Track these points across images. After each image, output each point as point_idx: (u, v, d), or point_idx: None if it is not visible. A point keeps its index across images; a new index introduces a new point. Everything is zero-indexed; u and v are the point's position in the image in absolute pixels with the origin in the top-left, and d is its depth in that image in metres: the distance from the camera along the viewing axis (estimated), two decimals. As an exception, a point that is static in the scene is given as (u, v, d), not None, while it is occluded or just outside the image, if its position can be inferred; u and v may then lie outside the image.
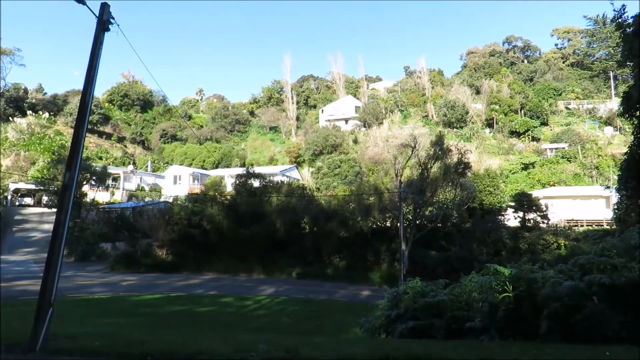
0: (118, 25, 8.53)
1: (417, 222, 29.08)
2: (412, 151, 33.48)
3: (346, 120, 79.41)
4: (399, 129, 59.01)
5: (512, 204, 33.63)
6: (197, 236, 30.10)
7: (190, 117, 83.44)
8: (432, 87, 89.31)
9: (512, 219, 32.69)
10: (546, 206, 33.17)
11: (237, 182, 33.40)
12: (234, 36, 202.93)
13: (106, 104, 77.36)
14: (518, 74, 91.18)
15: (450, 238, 29.64)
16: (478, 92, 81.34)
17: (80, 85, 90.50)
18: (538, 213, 31.97)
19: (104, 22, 8.34)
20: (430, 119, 77.11)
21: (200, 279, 26.79)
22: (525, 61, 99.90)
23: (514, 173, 53.60)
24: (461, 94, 74.50)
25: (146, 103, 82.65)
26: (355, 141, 67.72)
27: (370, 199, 30.56)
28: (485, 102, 73.81)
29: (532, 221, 31.84)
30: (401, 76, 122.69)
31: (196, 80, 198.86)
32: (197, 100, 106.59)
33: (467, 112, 71.67)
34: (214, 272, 29.12)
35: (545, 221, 31.69)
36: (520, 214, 32.48)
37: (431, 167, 29.30)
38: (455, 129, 70.42)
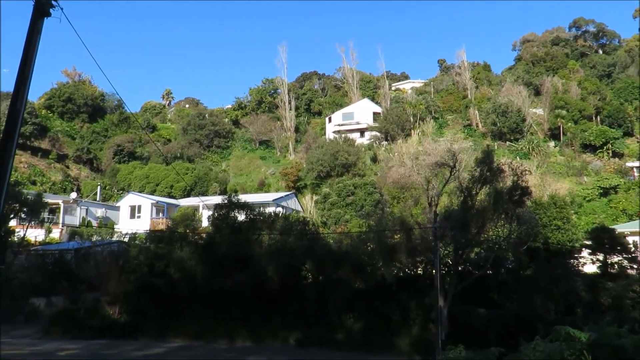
0: (61, 8, 8.65)
1: (460, 268, 28.82)
2: (451, 172, 33.44)
3: (362, 132, 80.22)
4: (433, 142, 59.42)
5: (589, 242, 33.30)
6: (162, 288, 29.93)
7: (154, 129, 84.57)
8: (476, 87, 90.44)
9: (589, 263, 32.33)
10: (635, 245, 32.84)
11: (216, 214, 33.47)
12: (213, 22, 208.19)
13: (43, 111, 78.71)
14: (591, 68, 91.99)
15: (505, 290, 29.29)
16: (538, 93, 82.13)
17: (9, 87, 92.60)
18: (624, 255, 31.60)
19: (42, 4, 8.47)
20: (475, 128, 77.67)
21: (164, 348, 26.46)
22: (600, 51, 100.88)
23: (589, 201, 53.30)
24: (515, 96, 75.22)
25: (96, 110, 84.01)
26: (375, 159, 68.10)
27: (395, 237, 30.41)
28: (548, 105, 74.42)
29: (616, 266, 31.47)
30: (434, 72, 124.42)
31: (163, 81, 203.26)
32: (164, 106, 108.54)
33: (523, 120, 72.18)
34: (183, 338, 28.73)
35: (635, 266, 31.30)
36: (600, 256, 32.10)
37: (477, 193, 29.25)
38: (508, 142, 70.76)
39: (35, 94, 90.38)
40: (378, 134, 76.00)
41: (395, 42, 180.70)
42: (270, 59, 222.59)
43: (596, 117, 73.29)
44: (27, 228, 40.65)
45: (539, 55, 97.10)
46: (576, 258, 31.77)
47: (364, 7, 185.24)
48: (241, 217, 33.31)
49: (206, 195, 61.24)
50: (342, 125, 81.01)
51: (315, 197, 57.98)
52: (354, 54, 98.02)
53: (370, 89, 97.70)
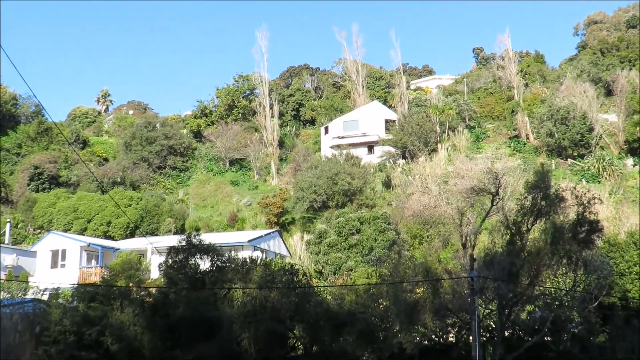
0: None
1: (506, 333, 28.63)
2: (493, 201, 33.56)
3: (370, 146, 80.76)
4: (467, 160, 59.82)
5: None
6: (94, 365, 29.63)
7: (85, 144, 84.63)
8: (526, 85, 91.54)
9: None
10: None
11: (171, 262, 33.32)
12: (165, 2, 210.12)
13: None
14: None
15: (570, 363, 29.17)
16: (609, 93, 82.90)
17: None
18: None
19: None
20: (524, 141, 78.25)
21: None
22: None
23: (683, 239, 53.36)
24: (579, 96, 75.96)
25: (5, 118, 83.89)
26: (388, 184, 68.34)
27: (418, 291, 30.35)
28: (624, 109, 74.77)
29: None
30: (468, 66, 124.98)
31: (98, 79, 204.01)
32: (99, 113, 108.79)
33: (590, 129, 72.73)
34: None
35: None
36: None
37: (529, 229, 29.33)
38: (570, 159, 71.20)
39: None
40: (392, 149, 76.53)
41: (414, 25, 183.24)
42: (246, 48, 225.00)
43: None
44: None
45: (609, 41, 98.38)
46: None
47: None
48: (205, 265, 33.17)
49: (157, 234, 60.95)
50: (343, 137, 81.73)
51: (306, 237, 57.78)
52: (359, 41, 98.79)
53: (381, 88, 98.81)
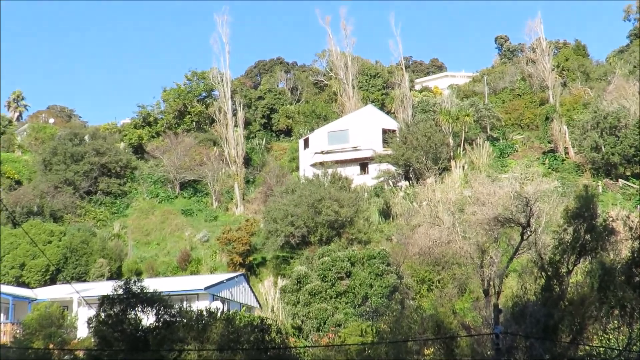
0: None
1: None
2: (523, 234, 33.64)
3: (363, 164, 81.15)
4: (489, 181, 59.89)
5: None
6: None
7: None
8: (564, 84, 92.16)
9: None
10: None
11: (104, 316, 33.06)
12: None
13: None
14: None
15: None
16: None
17: None
18: None
19: None
20: (562, 156, 78.64)
21: None
22: None
23: None
24: (632, 99, 76.10)
25: None
26: (386, 213, 68.42)
27: (427, 352, 30.32)
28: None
29: None
30: (489, 60, 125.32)
31: (8, 78, 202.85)
32: (10, 122, 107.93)
33: (646, 141, 72.89)
34: None
35: None
36: None
37: (570, 271, 29.42)
38: (622, 180, 71.35)
39: None
40: (392, 167, 76.89)
41: (419, 8, 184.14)
42: (202, 37, 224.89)
43: None
44: None
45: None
46: None
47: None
48: (149, 320, 32.95)
49: (85, 280, 60.50)
50: (328, 152, 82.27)
51: (281, 282, 57.58)
52: (348, 28, 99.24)
53: (377, 88, 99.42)
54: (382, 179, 76.32)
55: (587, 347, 29.01)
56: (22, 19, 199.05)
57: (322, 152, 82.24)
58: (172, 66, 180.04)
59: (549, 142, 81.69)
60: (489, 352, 27.95)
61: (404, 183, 74.35)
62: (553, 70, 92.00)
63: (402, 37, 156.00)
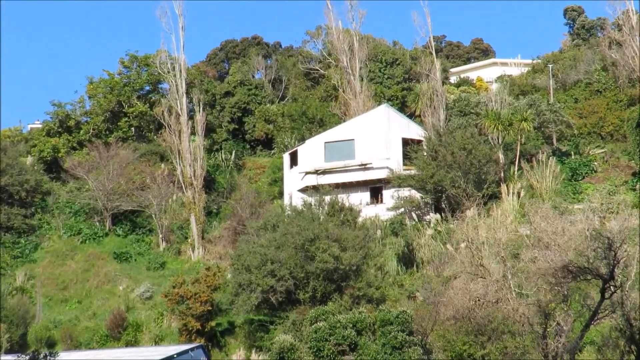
0: None
1: None
2: (604, 291, 33.48)
3: (376, 189, 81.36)
4: (555, 215, 59.46)
5: None
6: None
7: None
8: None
9: None
10: None
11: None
12: None
13: None
14: None
15: None
16: None
17: None
18: None
19: None
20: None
21: None
22: None
23: None
24: None
25: None
26: (408, 259, 68.07)
27: None
28: None
29: None
30: (555, 43, 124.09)
31: None
32: None
33: None
34: None
35: None
36: None
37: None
38: None
39: None
40: (417, 194, 76.72)
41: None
42: (146, 7, 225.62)
43: None
44: None
45: None
46: None
47: None
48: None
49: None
50: (324, 172, 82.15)
51: (256, 357, 57.42)
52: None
53: (395, 81, 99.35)
54: (402, 210, 76.07)
55: None
56: None
57: (316, 172, 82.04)
58: (102, 48, 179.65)
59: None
60: None
61: (433, 216, 74.00)
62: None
63: (432, 8, 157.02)
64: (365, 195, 79.66)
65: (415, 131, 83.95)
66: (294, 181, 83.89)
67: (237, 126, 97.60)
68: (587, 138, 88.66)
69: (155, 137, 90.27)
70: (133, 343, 64.05)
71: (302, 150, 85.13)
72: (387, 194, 79.21)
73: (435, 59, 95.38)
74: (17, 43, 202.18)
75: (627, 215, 55.08)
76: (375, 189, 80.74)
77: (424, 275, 63.73)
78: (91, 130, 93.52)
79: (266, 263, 61.74)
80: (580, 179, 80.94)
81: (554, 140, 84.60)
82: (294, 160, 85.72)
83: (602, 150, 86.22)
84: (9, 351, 57.58)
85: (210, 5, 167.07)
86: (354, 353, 52.21)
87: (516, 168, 78.31)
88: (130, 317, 67.87)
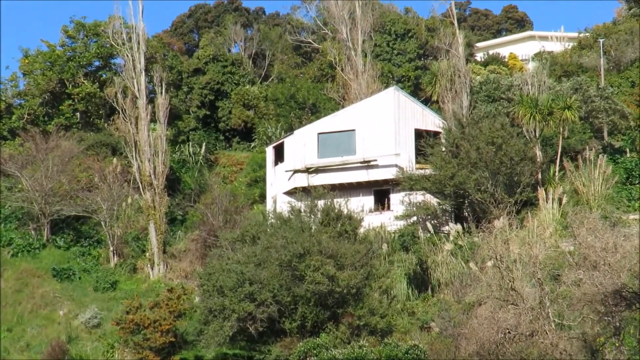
0: None
1: None
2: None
3: (381, 193, 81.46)
4: (605, 227, 58.97)
5: None
6: None
7: None
8: None
9: None
10: None
11: None
12: None
13: None
14: None
15: None
16: None
17: None
18: None
19: None
20: None
21: None
22: None
23: None
24: None
25: None
26: (422, 279, 67.57)
27: None
28: None
29: None
30: (608, 13, 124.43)
31: None
32: None
33: None
34: None
35: None
36: None
37: None
38: None
39: None
40: (433, 199, 76.20)
41: None
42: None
43: None
44: None
45: None
46: None
47: None
48: None
49: None
50: (316, 170, 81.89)
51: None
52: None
53: (407, 57, 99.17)
54: (414, 219, 75.61)
55: None
56: None
57: (307, 170, 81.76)
58: (41, 13, 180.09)
59: None
60: None
61: (453, 227, 73.50)
62: None
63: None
64: (369, 200, 79.33)
65: (431, 121, 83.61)
66: (279, 181, 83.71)
67: (208, 112, 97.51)
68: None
69: (106, 124, 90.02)
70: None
71: (290, 142, 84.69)
72: (396, 199, 78.88)
73: (457, 31, 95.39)
74: None
75: None
76: (380, 193, 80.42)
77: (441, 300, 63.35)
78: (26, 116, 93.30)
79: (243, 284, 61.17)
80: (636, 182, 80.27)
81: (605, 134, 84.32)
82: (279, 156, 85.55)
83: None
84: None
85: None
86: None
87: (557, 168, 77.91)
88: (73, 349, 67.46)
